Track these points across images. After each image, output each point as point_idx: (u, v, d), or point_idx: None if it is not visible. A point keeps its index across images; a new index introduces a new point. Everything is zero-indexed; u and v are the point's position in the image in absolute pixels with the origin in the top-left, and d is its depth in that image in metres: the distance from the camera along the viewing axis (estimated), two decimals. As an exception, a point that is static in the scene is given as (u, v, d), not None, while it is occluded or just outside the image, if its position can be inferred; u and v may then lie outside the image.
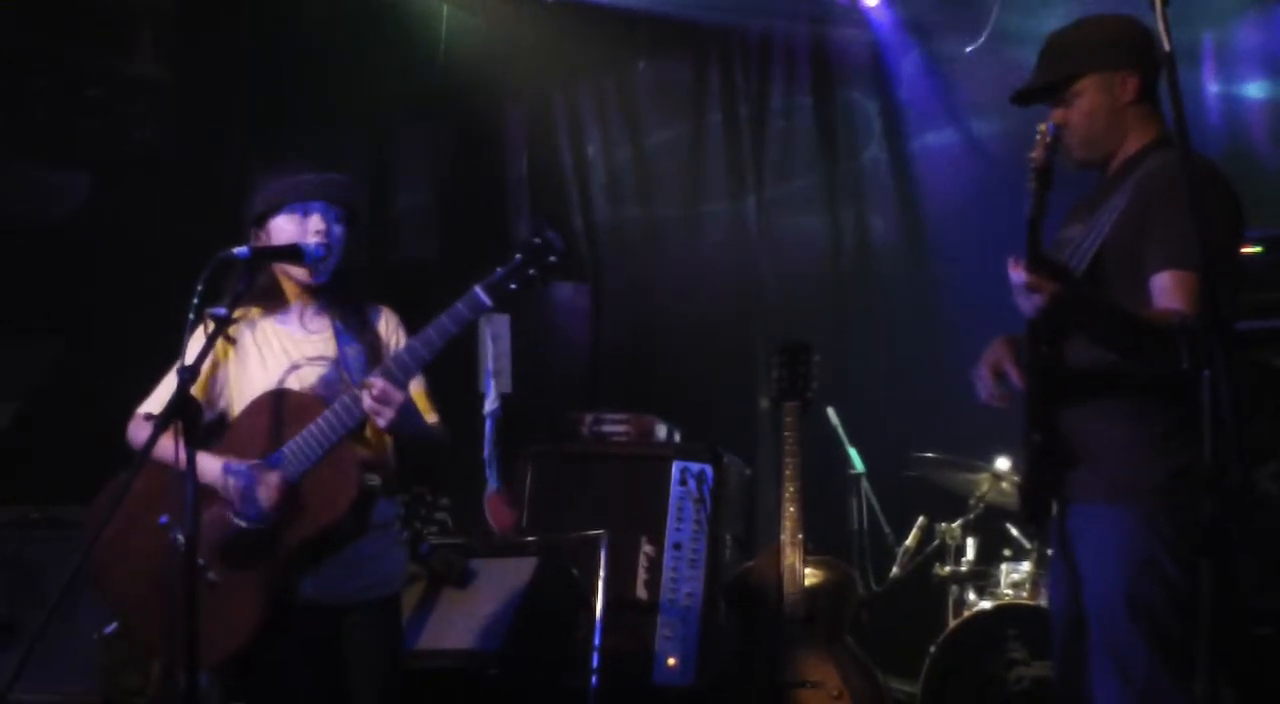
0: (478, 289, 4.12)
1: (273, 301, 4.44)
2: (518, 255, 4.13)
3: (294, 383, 4.34)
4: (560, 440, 7.11)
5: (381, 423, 4.11)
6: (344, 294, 4.47)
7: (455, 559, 6.02)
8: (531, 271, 4.12)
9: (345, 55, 7.99)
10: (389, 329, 4.50)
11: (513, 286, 4.12)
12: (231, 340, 4.29)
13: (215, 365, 4.40)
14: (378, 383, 4.09)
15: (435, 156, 9.03)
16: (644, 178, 9.02)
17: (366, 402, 4.10)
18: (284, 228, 4.36)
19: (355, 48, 8.03)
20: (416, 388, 4.38)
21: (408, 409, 4.18)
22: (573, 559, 6.22)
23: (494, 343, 7.31)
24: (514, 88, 8.97)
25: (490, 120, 9.07)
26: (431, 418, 4.44)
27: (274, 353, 4.39)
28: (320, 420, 4.16)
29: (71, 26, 7.46)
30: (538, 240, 4.13)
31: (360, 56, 8.04)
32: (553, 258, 4.12)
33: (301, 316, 4.45)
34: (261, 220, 4.40)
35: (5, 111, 7.42)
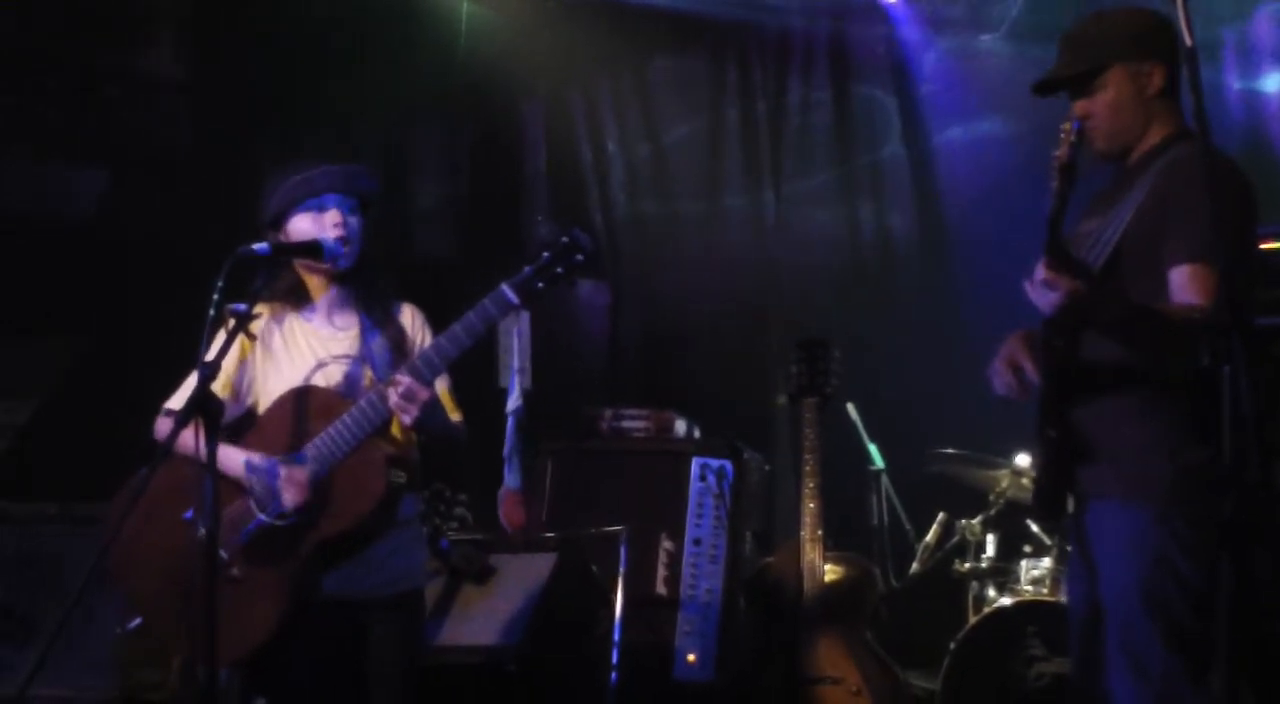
0: (505, 287, 4.11)
1: (299, 299, 4.46)
2: (545, 254, 4.12)
3: (320, 380, 4.36)
4: (580, 436, 7.11)
5: (406, 420, 4.13)
6: (369, 290, 4.48)
7: (475, 555, 6.03)
8: (559, 270, 4.11)
9: (363, 52, 8.01)
10: (414, 325, 4.50)
11: (540, 285, 4.11)
12: (252, 336, 4.31)
13: (241, 362, 4.42)
14: (404, 380, 4.10)
15: (453, 153, 9.03)
16: (662, 174, 9.01)
17: (392, 399, 4.11)
18: (302, 226, 4.38)
19: (373, 45, 8.04)
20: (441, 386, 4.39)
21: (433, 407, 4.20)
22: (592, 555, 6.22)
23: (517, 340, 7.32)
24: (532, 84, 8.97)
25: (508, 117, 9.07)
26: (455, 416, 4.46)
27: (301, 351, 4.41)
28: (346, 417, 4.18)
29: (88, 26, 7.49)
30: (565, 239, 4.13)
31: (378, 53, 8.04)
32: (580, 256, 4.11)
33: (329, 314, 4.46)
34: (278, 221, 4.42)
35: (22, 110, 7.44)
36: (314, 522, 4.20)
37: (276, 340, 4.44)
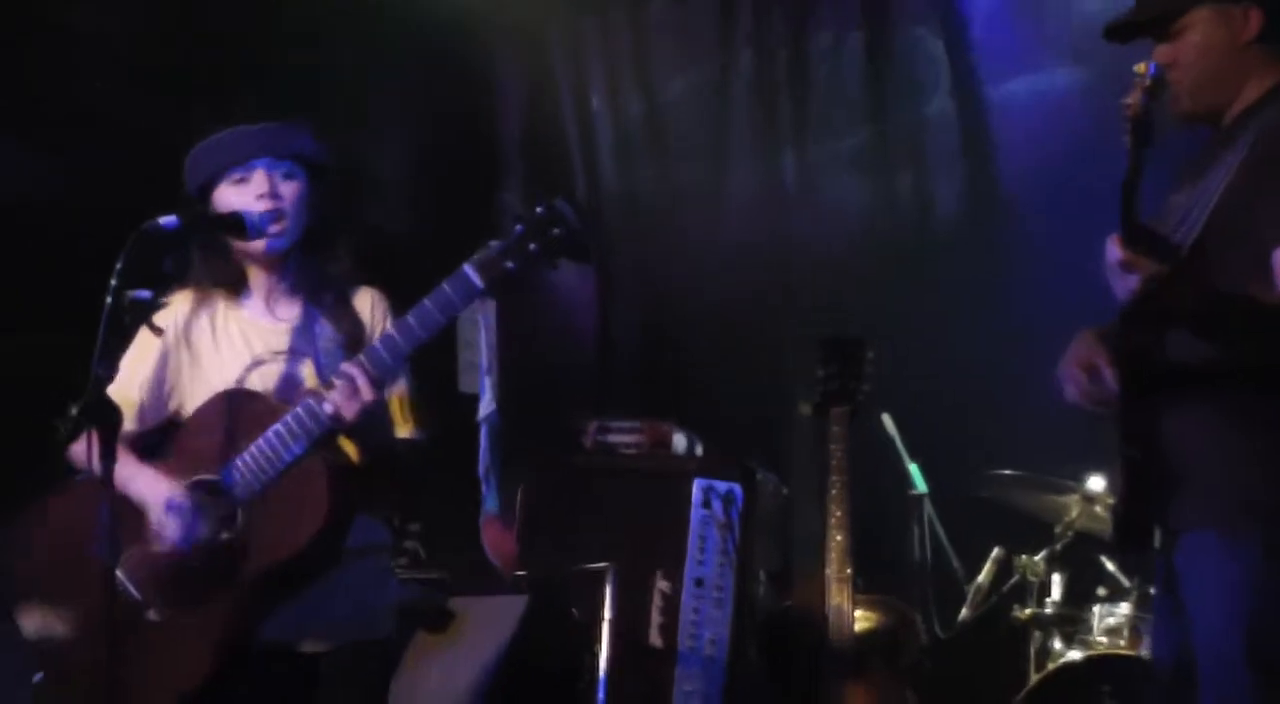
0: (468, 268, 4.07)
1: (234, 284, 4.47)
2: (518, 227, 4.07)
3: (255, 382, 4.36)
4: (557, 454, 7.10)
5: (347, 415, 4.09)
6: (319, 272, 4.47)
7: (429, 598, 6.02)
8: (533, 247, 4.05)
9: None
10: (374, 315, 4.50)
11: (510, 266, 4.06)
12: (157, 329, 4.27)
13: (163, 362, 4.43)
14: (348, 371, 4.09)
15: (411, 111, 9.02)
16: (660, 136, 9.05)
17: (329, 397, 4.09)
18: (226, 199, 4.39)
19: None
20: (399, 391, 4.40)
21: (374, 415, 4.17)
22: (572, 597, 6.21)
23: (484, 334, 7.28)
24: (505, 28, 8.96)
25: (477, 68, 9.06)
26: (404, 429, 4.44)
27: (234, 346, 4.42)
28: (279, 427, 4.16)
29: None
30: (541, 210, 4.07)
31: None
32: (558, 231, 4.06)
33: (268, 301, 4.47)
34: (205, 196, 4.43)
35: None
36: (246, 552, 4.18)
37: (204, 333, 4.44)
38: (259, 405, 4.26)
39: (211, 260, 4.43)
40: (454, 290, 4.08)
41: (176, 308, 4.44)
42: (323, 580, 4.28)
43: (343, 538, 4.28)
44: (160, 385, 4.43)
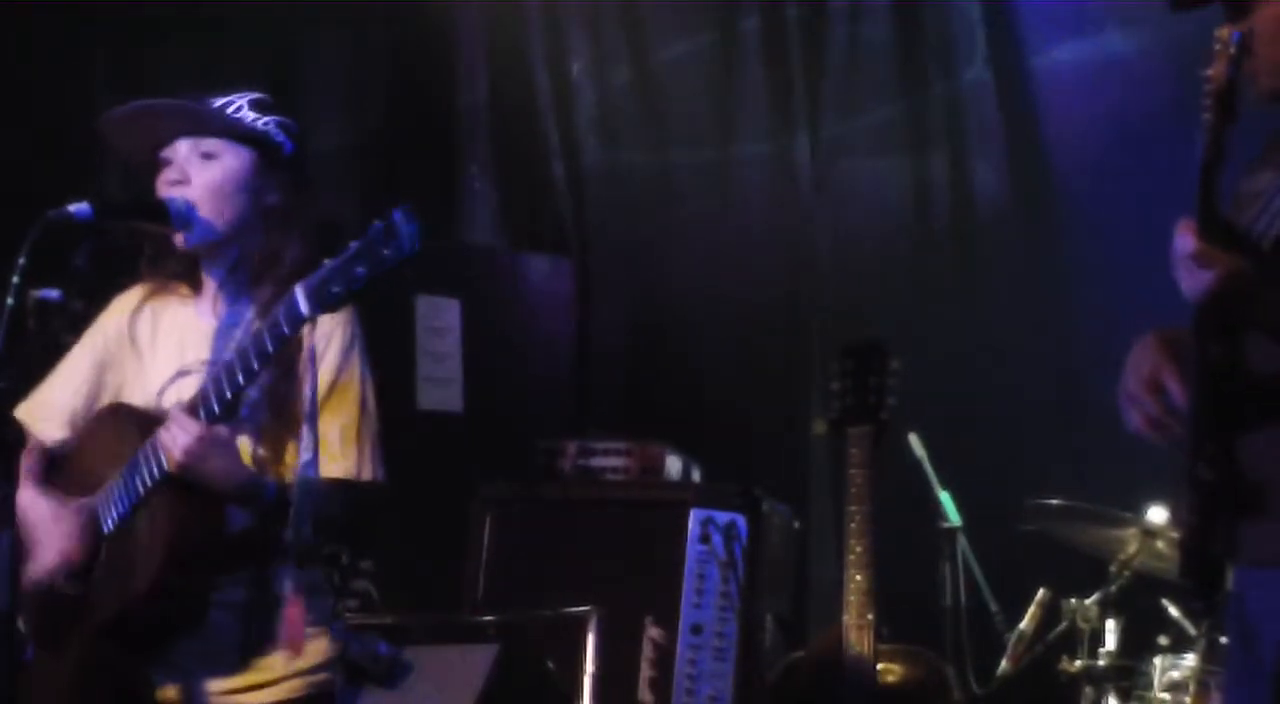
0: (298, 290, 3.96)
1: (190, 283, 4.49)
2: (351, 244, 3.92)
3: (171, 396, 4.35)
4: (531, 480, 7.10)
5: (168, 462, 4.07)
6: (267, 270, 4.42)
7: (381, 647, 6.01)
8: (360, 270, 3.90)
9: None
10: (318, 329, 4.39)
11: (336, 291, 3.91)
12: (72, 333, 4.29)
13: (102, 364, 4.48)
14: (179, 406, 4.11)
15: (356, 77, 9.02)
16: (652, 109, 9.04)
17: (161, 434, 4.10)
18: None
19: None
20: (338, 419, 4.35)
21: (218, 453, 4.12)
22: (548, 646, 6.21)
23: (429, 339, 7.20)
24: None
25: (435, 25, 9.05)
26: (334, 467, 4.35)
27: (169, 352, 4.44)
28: (141, 452, 4.17)
29: None
30: (379, 223, 3.90)
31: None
32: (389, 253, 3.88)
33: (215, 302, 4.47)
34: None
35: None
36: (100, 595, 4.23)
37: (145, 333, 4.49)
38: (135, 423, 4.28)
39: (158, 254, 4.45)
40: (283, 315, 3.99)
41: (125, 302, 4.51)
42: (220, 627, 4.28)
43: (204, 582, 4.25)
44: (95, 390, 4.48)
